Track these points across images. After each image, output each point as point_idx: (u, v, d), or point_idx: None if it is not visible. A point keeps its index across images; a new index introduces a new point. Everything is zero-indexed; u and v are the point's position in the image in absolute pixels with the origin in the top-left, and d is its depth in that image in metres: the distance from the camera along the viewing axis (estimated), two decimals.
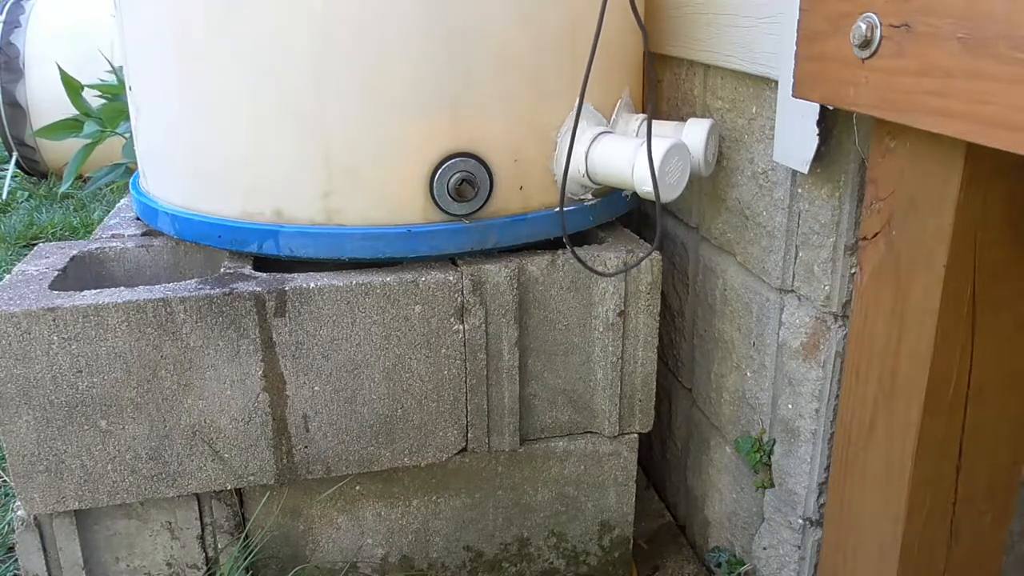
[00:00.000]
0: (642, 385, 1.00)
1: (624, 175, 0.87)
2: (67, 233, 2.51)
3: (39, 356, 0.81)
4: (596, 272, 0.89)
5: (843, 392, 0.77)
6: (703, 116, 1.01)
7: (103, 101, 2.15)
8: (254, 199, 0.89)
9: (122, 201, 1.21)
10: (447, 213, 0.88)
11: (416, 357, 0.91)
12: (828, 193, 0.78)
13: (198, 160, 0.91)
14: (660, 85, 1.14)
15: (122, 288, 0.85)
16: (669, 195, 0.87)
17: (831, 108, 0.72)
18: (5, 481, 1.30)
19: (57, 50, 2.81)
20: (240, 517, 0.96)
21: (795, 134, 0.78)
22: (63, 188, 2.46)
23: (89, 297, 0.83)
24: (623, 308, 0.95)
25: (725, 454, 1.04)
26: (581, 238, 1.00)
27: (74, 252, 0.99)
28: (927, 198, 0.63)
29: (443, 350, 0.91)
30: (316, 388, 0.89)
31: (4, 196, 2.87)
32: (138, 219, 1.08)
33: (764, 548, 0.96)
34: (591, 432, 1.02)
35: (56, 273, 0.91)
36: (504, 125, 0.88)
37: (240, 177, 0.89)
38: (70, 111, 2.16)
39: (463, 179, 0.86)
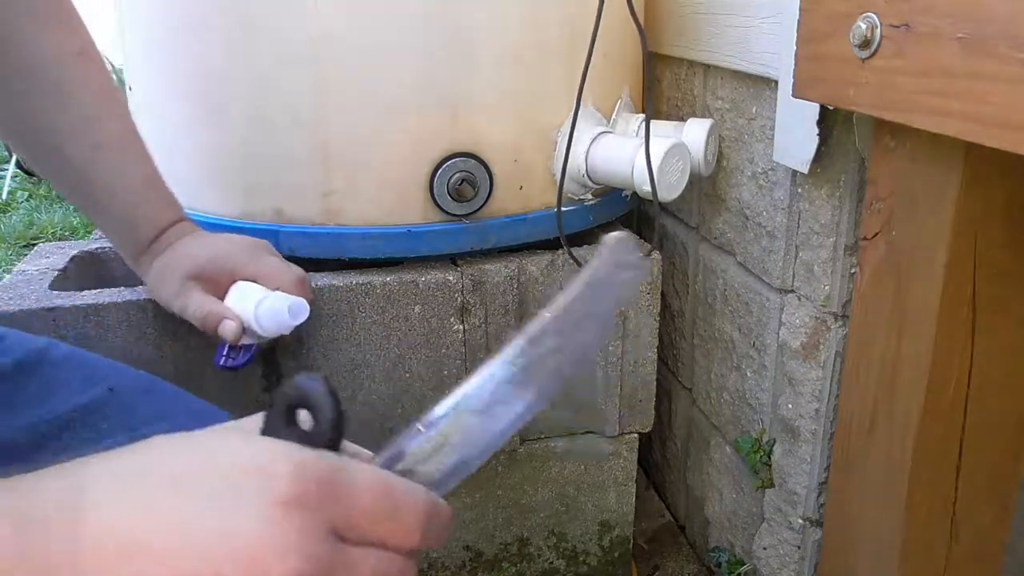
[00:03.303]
0: (642, 385, 1.00)
1: (624, 175, 0.87)
2: (67, 233, 2.51)
3: None
4: None
5: (843, 392, 0.77)
6: (703, 116, 1.01)
7: None
8: (254, 199, 0.89)
9: None
10: (447, 213, 0.88)
11: (416, 357, 0.91)
12: (828, 193, 0.78)
13: (198, 161, 0.91)
14: (660, 85, 1.14)
15: (122, 288, 0.85)
16: (669, 195, 0.87)
17: (831, 108, 0.72)
18: None
19: None
20: None
21: (795, 134, 0.78)
22: None
23: (89, 297, 0.83)
24: (623, 308, 0.95)
25: (725, 454, 1.04)
26: (581, 238, 1.00)
27: (74, 252, 0.99)
28: (927, 198, 0.63)
29: (443, 350, 0.91)
30: None
31: (4, 196, 2.87)
32: None
33: (764, 548, 0.96)
34: (591, 432, 1.02)
35: (56, 273, 0.91)
36: (504, 125, 0.88)
37: (240, 178, 0.89)
38: None
39: (463, 179, 0.86)
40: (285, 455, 0.32)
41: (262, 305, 0.73)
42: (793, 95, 0.70)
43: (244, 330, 0.73)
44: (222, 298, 0.75)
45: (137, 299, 0.82)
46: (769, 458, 0.93)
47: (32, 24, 0.69)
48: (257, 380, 0.87)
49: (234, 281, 0.76)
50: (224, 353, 0.76)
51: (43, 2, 0.70)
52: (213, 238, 0.79)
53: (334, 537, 0.32)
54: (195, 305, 0.73)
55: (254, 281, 0.76)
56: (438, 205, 0.87)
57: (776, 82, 0.81)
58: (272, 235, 0.88)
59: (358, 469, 0.34)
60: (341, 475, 0.33)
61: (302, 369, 0.88)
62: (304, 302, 0.75)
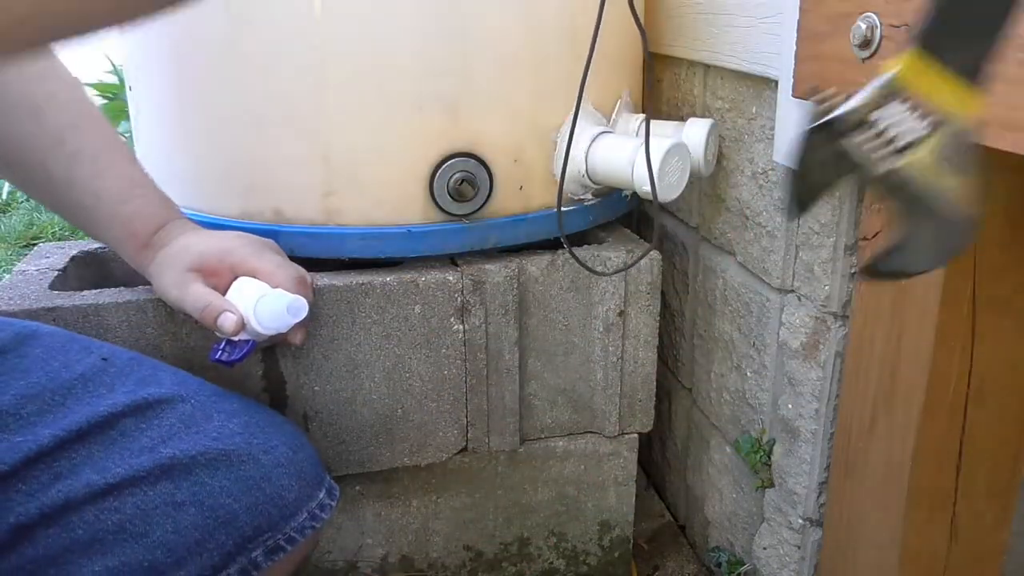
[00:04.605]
0: (642, 385, 1.00)
1: (624, 175, 0.87)
2: (67, 233, 2.51)
3: None
4: (594, 272, 0.89)
5: (843, 392, 0.77)
6: (703, 116, 1.01)
7: (103, 101, 2.15)
8: (254, 199, 0.89)
9: None
10: (447, 213, 0.88)
11: (416, 357, 0.91)
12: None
13: (198, 160, 0.91)
14: (660, 85, 1.14)
15: (122, 288, 0.85)
16: (669, 195, 0.87)
17: None
18: None
19: (57, 50, 2.80)
20: None
21: (795, 134, 0.78)
22: None
23: (89, 297, 0.83)
24: (623, 308, 0.95)
25: (725, 454, 1.04)
26: (581, 238, 1.00)
27: (74, 252, 0.99)
28: None
29: (443, 350, 0.91)
30: (316, 388, 0.89)
31: (4, 196, 2.87)
32: None
33: (764, 548, 0.96)
34: (591, 432, 1.02)
35: (56, 273, 0.91)
36: (504, 125, 0.88)
37: (239, 178, 0.89)
38: None
39: (463, 179, 0.86)
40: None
41: (262, 302, 0.73)
42: (793, 95, 0.70)
43: (243, 325, 0.73)
44: (222, 292, 0.75)
45: (137, 299, 0.82)
46: (769, 458, 0.93)
47: None
48: (257, 380, 0.87)
49: (235, 276, 0.76)
50: (220, 347, 0.76)
51: None
52: (216, 233, 0.79)
53: None
54: (194, 296, 0.74)
55: (254, 277, 0.76)
56: (438, 205, 0.87)
57: (776, 82, 0.81)
58: (272, 235, 0.88)
59: None
60: None
61: (302, 369, 0.88)
62: (303, 301, 0.75)
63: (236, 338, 0.75)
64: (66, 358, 0.68)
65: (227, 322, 0.72)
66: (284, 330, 0.76)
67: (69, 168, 0.74)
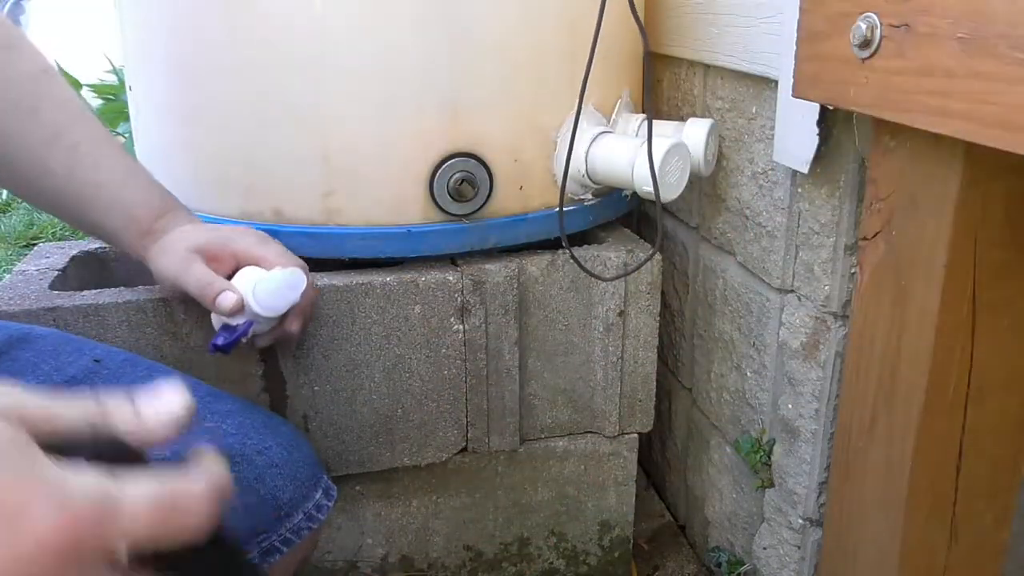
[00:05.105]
0: (642, 385, 1.00)
1: (624, 175, 0.87)
2: (67, 233, 2.51)
3: None
4: (595, 276, 0.89)
5: (843, 392, 0.77)
6: (703, 116, 1.01)
7: (102, 102, 2.15)
8: (253, 199, 0.89)
9: None
10: (447, 213, 0.88)
11: (416, 357, 0.91)
12: (828, 193, 0.78)
13: (197, 160, 0.91)
14: (660, 85, 1.14)
15: (122, 288, 0.85)
16: (669, 195, 0.87)
17: (831, 108, 0.72)
18: None
19: (57, 51, 2.81)
20: None
21: (795, 134, 0.78)
22: None
23: (89, 297, 0.83)
24: (623, 308, 0.95)
25: (725, 454, 1.04)
26: (581, 238, 1.00)
27: (74, 252, 0.99)
28: (927, 198, 0.63)
29: (443, 350, 0.91)
30: (316, 388, 0.89)
31: (4, 196, 2.87)
32: None
33: (764, 548, 0.96)
34: (591, 432, 1.02)
35: (56, 273, 0.91)
36: (504, 125, 0.88)
37: (239, 178, 0.89)
38: None
39: (463, 179, 0.86)
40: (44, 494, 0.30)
41: (260, 283, 0.73)
42: (793, 95, 0.70)
43: (242, 306, 0.73)
44: (224, 276, 0.75)
45: (137, 299, 0.82)
46: (769, 458, 0.93)
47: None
48: (256, 380, 0.87)
49: (237, 263, 0.76)
50: (217, 335, 0.76)
51: (3, 29, 0.74)
52: (218, 225, 0.80)
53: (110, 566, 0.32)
54: (196, 275, 0.74)
55: (257, 265, 0.76)
56: (438, 205, 0.87)
57: (776, 82, 0.81)
58: (271, 235, 0.88)
59: (126, 483, 0.33)
60: (108, 503, 0.32)
61: (302, 369, 0.88)
62: (301, 273, 0.75)
63: (233, 322, 0.75)
64: (57, 361, 0.68)
65: (227, 300, 0.72)
66: (283, 309, 0.75)
67: (68, 160, 0.74)
